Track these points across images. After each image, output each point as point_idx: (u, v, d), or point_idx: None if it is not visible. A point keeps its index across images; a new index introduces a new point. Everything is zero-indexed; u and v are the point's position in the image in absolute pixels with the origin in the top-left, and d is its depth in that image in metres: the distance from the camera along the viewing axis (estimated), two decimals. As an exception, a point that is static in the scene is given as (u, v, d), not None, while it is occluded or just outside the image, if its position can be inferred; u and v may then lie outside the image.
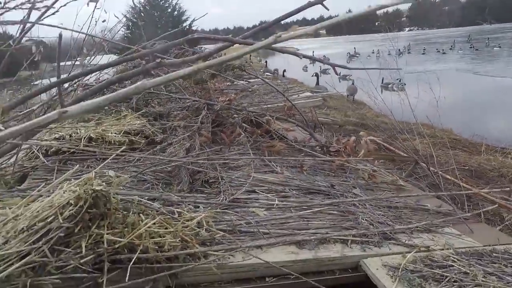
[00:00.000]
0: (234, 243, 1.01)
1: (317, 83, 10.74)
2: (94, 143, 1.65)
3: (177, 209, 1.10)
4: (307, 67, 19.04)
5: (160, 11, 20.08)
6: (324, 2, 0.91)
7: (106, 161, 1.36)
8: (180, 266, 0.92)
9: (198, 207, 1.19)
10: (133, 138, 1.67)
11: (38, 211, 0.88)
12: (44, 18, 1.61)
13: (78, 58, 2.54)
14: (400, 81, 10.99)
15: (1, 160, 1.52)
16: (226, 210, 1.23)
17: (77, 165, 1.35)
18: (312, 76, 12.12)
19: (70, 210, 0.86)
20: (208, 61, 0.62)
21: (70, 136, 1.67)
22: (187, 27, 20.13)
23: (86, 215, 0.87)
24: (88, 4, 1.94)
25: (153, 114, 1.92)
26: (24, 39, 1.80)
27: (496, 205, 1.88)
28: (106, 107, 1.93)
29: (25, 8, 1.61)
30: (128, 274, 0.86)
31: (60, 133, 1.70)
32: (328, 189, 1.61)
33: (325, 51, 30.35)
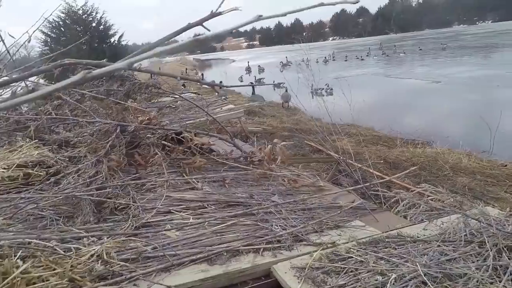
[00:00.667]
0: (135, 272, 0.97)
1: (253, 93, 11.04)
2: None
3: (75, 245, 1.01)
4: (242, 77, 19.45)
5: (83, 25, 18.68)
6: (206, 23, 0.94)
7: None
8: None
9: (102, 238, 1.12)
10: (30, 171, 1.50)
11: None
12: None
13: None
14: (328, 86, 11.92)
15: None
16: (134, 237, 1.18)
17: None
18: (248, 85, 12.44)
19: None
20: (96, 71, 0.57)
21: None
22: (115, 42, 19.12)
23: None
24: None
25: (58, 141, 1.76)
26: None
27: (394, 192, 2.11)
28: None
29: None
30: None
31: None
32: (247, 199, 1.66)
33: (259, 61, 31.37)
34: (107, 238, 1.11)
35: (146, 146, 1.83)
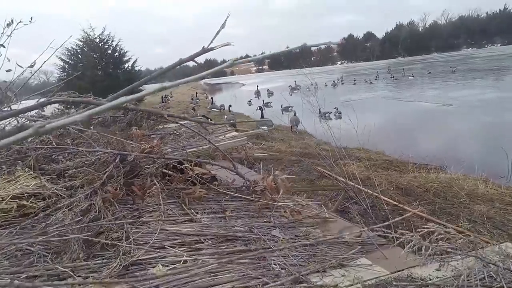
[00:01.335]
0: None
1: (262, 116, 11.11)
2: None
3: (57, 286, 0.96)
4: (251, 100, 19.73)
5: (99, 52, 19.56)
6: (196, 58, 0.93)
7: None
8: None
9: (88, 277, 1.06)
10: (25, 203, 1.47)
11: None
12: None
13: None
14: (337, 109, 11.90)
15: None
16: (120, 279, 1.11)
17: None
18: (257, 110, 12.57)
19: None
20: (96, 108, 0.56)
21: None
22: (129, 67, 19.86)
23: None
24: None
25: (57, 171, 1.74)
26: None
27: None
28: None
29: None
30: None
31: None
32: (246, 234, 1.58)
33: (268, 85, 31.91)
34: (93, 279, 1.05)
35: (145, 176, 1.80)
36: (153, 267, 1.18)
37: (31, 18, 2.28)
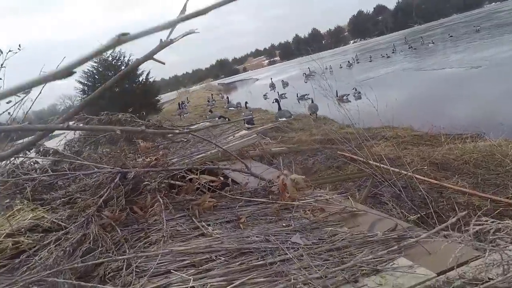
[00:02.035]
0: None
1: (279, 108, 10.87)
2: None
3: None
4: (266, 94, 19.50)
5: (113, 70, 20.13)
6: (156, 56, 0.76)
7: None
8: None
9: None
10: (21, 239, 1.38)
11: None
12: None
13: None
14: (356, 90, 11.39)
15: None
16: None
17: None
18: (273, 102, 12.33)
19: None
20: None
21: None
22: (144, 79, 20.29)
23: None
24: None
25: (57, 199, 1.65)
26: None
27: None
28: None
29: None
30: None
31: None
32: (261, 244, 1.39)
33: (282, 76, 31.50)
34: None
35: (148, 193, 1.67)
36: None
37: (19, 46, 2.23)
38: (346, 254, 1.30)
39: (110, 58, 19.66)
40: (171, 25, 0.50)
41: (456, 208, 3.06)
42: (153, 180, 1.69)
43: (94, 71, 19.64)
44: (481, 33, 21.88)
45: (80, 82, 19.02)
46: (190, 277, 1.14)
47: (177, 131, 1.95)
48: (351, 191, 3.14)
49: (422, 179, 3.71)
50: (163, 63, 0.77)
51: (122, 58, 20.08)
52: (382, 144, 5.85)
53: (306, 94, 13.90)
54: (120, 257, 1.15)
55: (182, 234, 1.54)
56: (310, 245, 1.34)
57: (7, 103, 2.12)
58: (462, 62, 12.61)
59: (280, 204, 1.76)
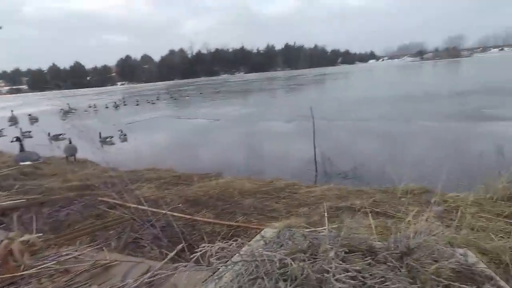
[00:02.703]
0: None
1: (22, 150, 8.59)
2: None
3: None
4: (2, 130, 15.02)
5: None
6: None
7: None
8: None
9: None
10: None
11: None
12: None
13: None
14: (122, 132, 11.20)
15: None
16: None
17: None
18: (12, 141, 9.60)
19: None
20: None
21: None
22: None
23: None
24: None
25: None
26: None
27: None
28: None
29: None
30: None
31: None
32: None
33: (29, 109, 25.57)
34: None
35: None
36: None
37: None
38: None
39: None
40: None
41: (204, 237, 3.58)
42: None
43: None
44: (220, 94, 29.00)
45: None
46: None
47: None
48: (110, 240, 3.00)
49: (179, 215, 4.14)
50: None
51: None
52: (145, 186, 6.05)
53: (61, 134, 12.02)
54: None
55: None
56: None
57: None
58: (208, 115, 15.95)
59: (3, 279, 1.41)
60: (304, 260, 1.02)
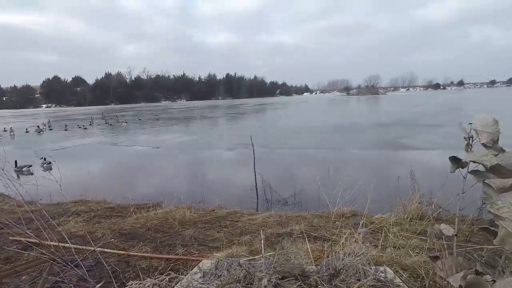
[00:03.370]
0: None
1: None
2: None
3: None
4: None
5: None
6: None
7: None
8: None
9: None
10: None
11: None
12: None
13: None
14: (45, 160, 9.98)
15: None
16: None
17: None
18: None
19: None
20: None
21: None
22: None
23: None
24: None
25: None
26: None
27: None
28: None
29: None
30: None
31: None
32: None
33: None
34: None
35: None
36: None
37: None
38: None
39: None
40: None
41: (140, 274, 3.31)
42: None
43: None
44: (160, 121, 28.13)
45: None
46: None
47: None
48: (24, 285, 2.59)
49: (111, 252, 3.79)
50: None
51: None
52: (72, 221, 5.45)
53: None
54: None
55: None
56: None
57: None
58: (147, 142, 15.24)
59: None
60: (240, 290, 1.04)
